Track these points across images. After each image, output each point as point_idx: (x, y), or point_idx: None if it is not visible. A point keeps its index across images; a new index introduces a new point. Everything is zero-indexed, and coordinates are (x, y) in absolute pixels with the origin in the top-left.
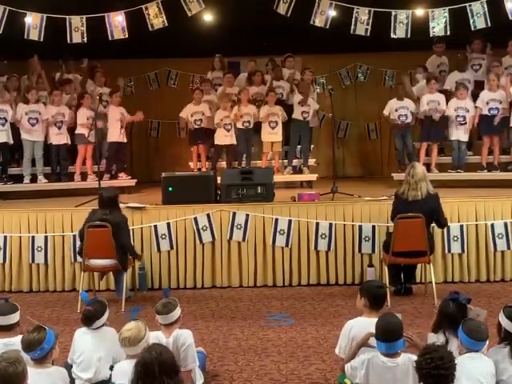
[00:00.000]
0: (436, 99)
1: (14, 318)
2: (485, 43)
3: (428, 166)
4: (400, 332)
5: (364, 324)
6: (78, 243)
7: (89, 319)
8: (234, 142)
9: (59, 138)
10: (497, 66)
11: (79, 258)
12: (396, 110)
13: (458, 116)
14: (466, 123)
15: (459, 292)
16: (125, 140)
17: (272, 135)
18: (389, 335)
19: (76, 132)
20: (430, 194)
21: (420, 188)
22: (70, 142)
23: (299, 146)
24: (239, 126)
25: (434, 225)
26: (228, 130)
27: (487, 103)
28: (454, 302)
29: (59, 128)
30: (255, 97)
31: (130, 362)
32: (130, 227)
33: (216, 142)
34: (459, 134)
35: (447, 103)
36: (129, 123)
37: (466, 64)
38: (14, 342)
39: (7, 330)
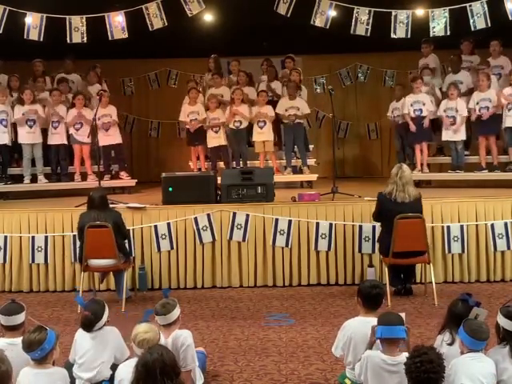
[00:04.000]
0: (421, 100)
1: (20, 318)
2: (473, 44)
3: (421, 166)
4: (401, 322)
5: (361, 323)
6: (78, 245)
7: (88, 326)
8: (223, 142)
9: (57, 138)
10: (483, 68)
11: None
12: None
13: (448, 117)
14: (455, 123)
15: (472, 294)
16: (117, 141)
17: (260, 135)
18: (388, 319)
19: (70, 132)
20: (416, 196)
21: (407, 190)
22: (67, 143)
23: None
24: (231, 126)
25: (433, 225)
26: (216, 132)
27: (477, 103)
28: (463, 303)
29: (55, 128)
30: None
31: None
32: (130, 227)
33: (208, 145)
34: (451, 135)
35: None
36: (119, 123)
37: (459, 65)
38: (19, 342)
39: (12, 329)
